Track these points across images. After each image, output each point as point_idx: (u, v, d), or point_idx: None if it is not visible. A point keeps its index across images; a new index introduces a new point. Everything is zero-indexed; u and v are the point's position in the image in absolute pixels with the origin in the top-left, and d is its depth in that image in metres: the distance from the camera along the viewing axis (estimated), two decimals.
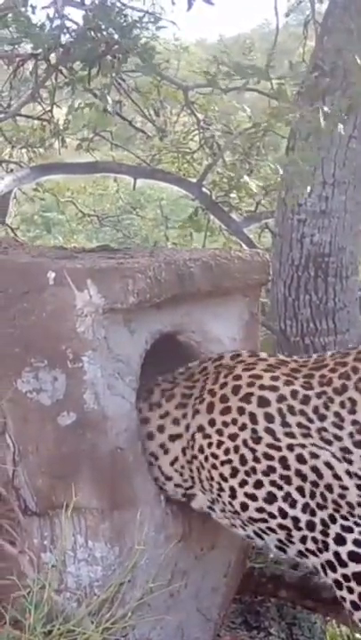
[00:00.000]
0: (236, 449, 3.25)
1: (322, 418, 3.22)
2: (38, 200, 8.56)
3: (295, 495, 3.17)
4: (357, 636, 3.90)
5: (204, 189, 6.63)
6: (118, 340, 3.40)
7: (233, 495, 3.27)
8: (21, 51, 5.14)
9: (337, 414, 3.22)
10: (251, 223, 6.83)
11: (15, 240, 4.33)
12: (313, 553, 3.18)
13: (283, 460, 3.19)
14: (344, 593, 3.14)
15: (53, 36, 4.62)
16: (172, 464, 3.46)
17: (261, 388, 3.29)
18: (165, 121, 7.37)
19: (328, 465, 3.18)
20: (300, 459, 3.18)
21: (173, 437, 3.46)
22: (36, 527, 3.42)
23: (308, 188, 4.94)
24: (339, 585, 3.15)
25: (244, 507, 3.25)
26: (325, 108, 4.11)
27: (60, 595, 3.31)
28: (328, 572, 3.16)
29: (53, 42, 4.57)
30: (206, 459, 3.33)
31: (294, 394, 3.27)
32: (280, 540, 3.24)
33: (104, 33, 4.61)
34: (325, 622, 4.40)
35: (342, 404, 3.22)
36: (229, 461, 3.26)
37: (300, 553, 3.22)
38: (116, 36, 4.65)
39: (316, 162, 4.68)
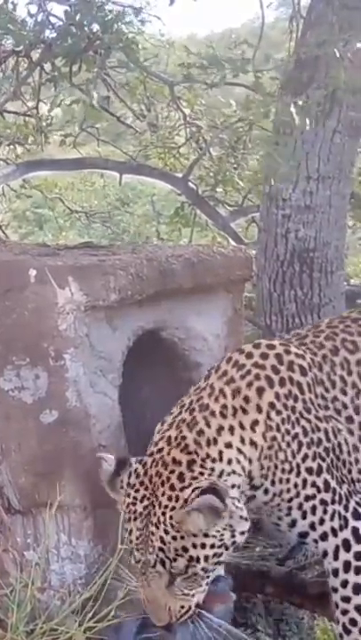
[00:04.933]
0: (298, 421, 3.06)
1: (333, 385, 3.16)
2: (25, 197, 8.53)
3: (332, 467, 3.08)
4: None
5: (190, 184, 6.64)
6: (100, 337, 3.38)
7: (298, 472, 3.05)
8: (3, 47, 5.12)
9: (342, 378, 3.16)
10: (237, 217, 6.85)
11: None
12: (334, 532, 3.07)
13: (326, 432, 3.09)
14: (351, 575, 3.05)
15: (35, 32, 4.61)
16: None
17: (297, 356, 3.12)
18: (157, 116, 7.37)
19: (345, 440, 3.13)
20: (334, 432, 3.10)
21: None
22: (20, 525, 3.40)
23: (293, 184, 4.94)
24: (347, 567, 3.06)
25: (305, 483, 3.06)
26: (300, 102, 4.10)
27: (44, 593, 3.30)
28: (341, 553, 3.07)
29: (35, 38, 4.56)
30: (283, 437, 3.05)
31: (313, 361, 3.16)
32: (312, 523, 3.08)
33: (86, 29, 4.60)
34: (313, 618, 4.40)
35: (342, 366, 3.18)
36: (296, 435, 3.06)
37: (324, 535, 3.08)
38: (98, 32, 4.64)
39: (298, 157, 4.67)
